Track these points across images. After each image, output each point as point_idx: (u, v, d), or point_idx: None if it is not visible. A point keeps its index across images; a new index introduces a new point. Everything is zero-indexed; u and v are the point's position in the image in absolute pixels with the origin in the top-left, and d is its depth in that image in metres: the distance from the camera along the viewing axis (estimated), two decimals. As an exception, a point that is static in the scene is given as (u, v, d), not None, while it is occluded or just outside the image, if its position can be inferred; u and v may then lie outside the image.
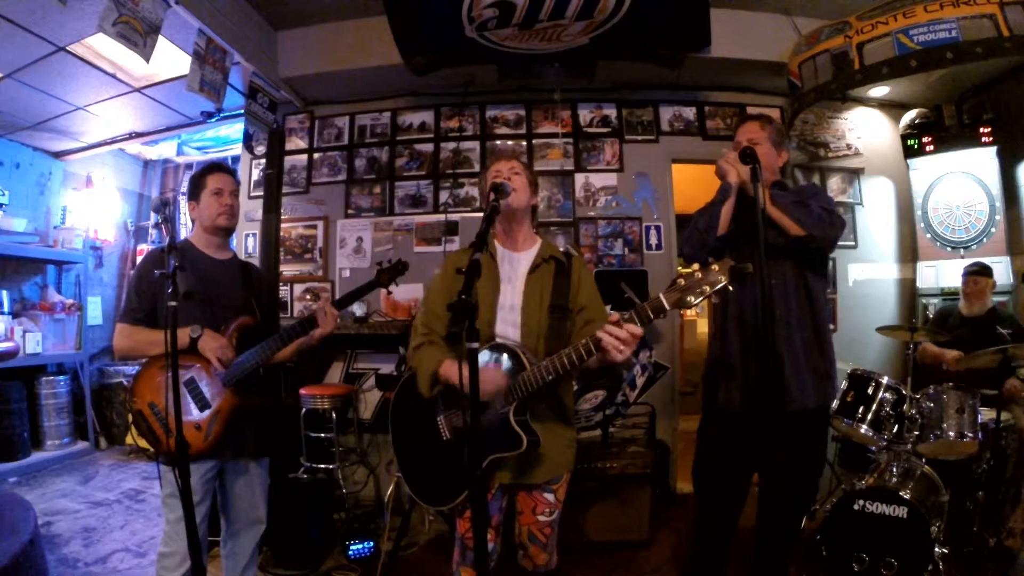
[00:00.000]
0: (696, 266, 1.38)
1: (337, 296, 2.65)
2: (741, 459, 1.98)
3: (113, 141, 4.71)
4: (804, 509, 2.13)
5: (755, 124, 2.03)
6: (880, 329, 3.06)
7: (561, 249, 1.91)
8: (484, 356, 1.60)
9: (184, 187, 5.64)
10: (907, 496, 2.30)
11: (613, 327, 1.39)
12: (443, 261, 1.86)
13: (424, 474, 1.75)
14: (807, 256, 1.93)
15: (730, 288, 1.34)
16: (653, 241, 3.79)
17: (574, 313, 1.70)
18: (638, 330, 1.40)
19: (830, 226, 1.87)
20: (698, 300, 1.37)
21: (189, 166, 5.74)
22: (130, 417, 1.78)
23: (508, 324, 1.69)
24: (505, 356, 1.60)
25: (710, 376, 2.09)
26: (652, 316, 1.41)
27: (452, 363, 1.60)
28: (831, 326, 2.47)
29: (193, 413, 1.77)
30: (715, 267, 1.35)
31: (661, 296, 1.39)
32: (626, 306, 2.95)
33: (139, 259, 1.95)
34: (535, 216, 1.88)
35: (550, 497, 1.70)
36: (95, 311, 5.22)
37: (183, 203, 5.30)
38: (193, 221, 2.01)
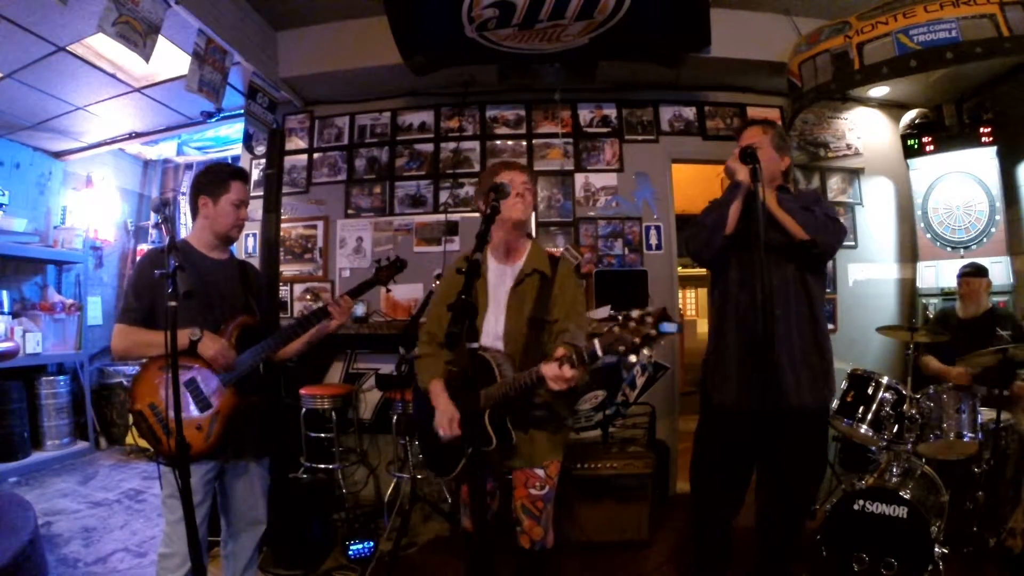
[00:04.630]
0: (636, 313, 1.42)
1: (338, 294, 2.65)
2: (738, 457, 1.98)
3: (113, 141, 4.70)
4: (805, 509, 2.13)
5: (756, 129, 2.05)
6: (880, 329, 3.06)
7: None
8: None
9: (184, 187, 5.63)
10: (907, 496, 2.30)
11: (554, 366, 1.51)
12: (447, 266, 1.95)
13: (432, 451, 1.94)
14: (808, 258, 1.94)
15: (661, 342, 1.40)
16: (653, 241, 3.79)
17: (551, 324, 1.79)
18: (572, 373, 1.49)
19: (832, 233, 1.89)
20: (631, 353, 1.41)
21: (189, 166, 5.74)
22: (131, 418, 1.78)
23: (491, 336, 1.81)
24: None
25: (707, 374, 2.10)
26: (587, 359, 1.48)
27: (438, 385, 1.83)
28: (831, 326, 2.46)
29: (194, 413, 1.77)
30: (648, 319, 1.40)
31: (596, 342, 1.46)
32: (624, 305, 3.06)
33: (138, 259, 1.94)
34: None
35: (540, 472, 1.81)
36: (95, 311, 5.22)
37: (183, 203, 5.30)
38: (196, 217, 1.96)
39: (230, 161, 5.01)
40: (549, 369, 1.53)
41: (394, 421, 3.30)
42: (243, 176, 1.98)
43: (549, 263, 1.87)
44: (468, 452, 1.68)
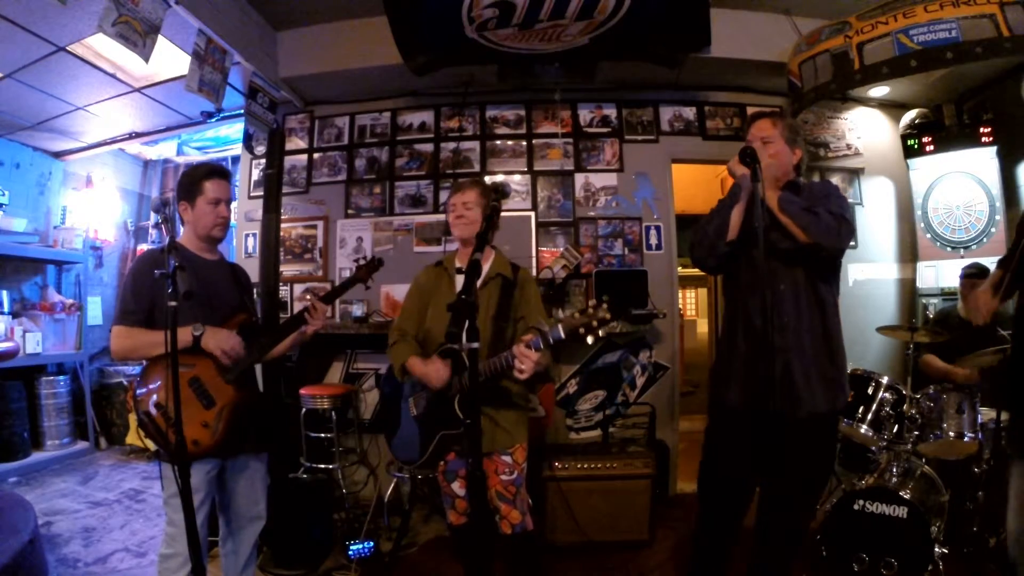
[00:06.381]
0: (592, 302, 1.66)
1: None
2: (746, 461, 1.96)
3: (113, 141, 4.70)
4: (809, 514, 2.11)
5: (767, 121, 1.97)
6: (880, 329, 3.06)
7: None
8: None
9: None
10: (907, 496, 2.30)
11: (524, 349, 1.71)
12: (416, 275, 2.21)
13: (401, 440, 2.12)
14: (816, 262, 1.90)
15: (615, 324, 1.53)
16: (653, 241, 3.80)
17: (515, 321, 1.98)
18: (536, 355, 1.71)
19: (837, 235, 1.81)
20: (589, 334, 1.62)
21: (188, 167, 5.74)
22: (135, 421, 1.79)
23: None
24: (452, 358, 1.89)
25: (717, 378, 2.07)
26: (552, 340, 1.68)
27: (416, 358, 1.97)
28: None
29: (200, 411, 1.77)
30: (603, 306, 1.63)
31: (559, 326, 1.68)
32: (624, 305, 3.33)
33: (135, 260, 1.92)
34: (492, 233, 1.94)
35: (507, 459, 1.96)
36: (95, 311, 5.22)
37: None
38: (182, 223, 1.97)
39: (229, 161, 5.02)
40: (520, 350, 1.71)
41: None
42: (218, 173, 1.94)
43: (511, 269, 2.06)
44: (435, 439, 1.94)
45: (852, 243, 3.82)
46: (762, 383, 1.85)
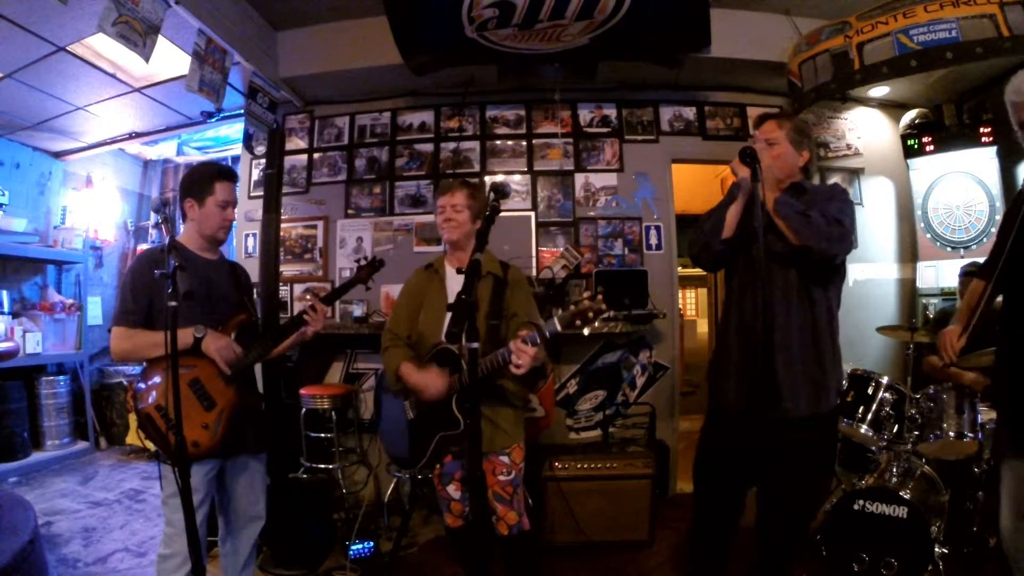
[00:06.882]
0: (587, 294, 1.66)
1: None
2: (738, 461, 1.96)
3: (113, 141, 4.71)
4: (805, 521, 2.10)
5: (772, 123, 1.96)
6: (880, 329, 3.06)
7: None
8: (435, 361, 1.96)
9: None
10: (907, 496, 2.30)
11: (521, 344, 1.69)
12: (407, 277, 2.21)
13: (399, 443, 2.11)
14: (810, 264, 1.89)
15: (611, 313, 1.57)
16: (653, 241, 3.80)
17: (507, 319, 1.99)
18: (532, 350, 1.69)
19: (827, 240, 1.77)
20: (585, 325, 1.61)
21: (189, 166, 5.74)
22: (135, 421, 1.79)
23: None
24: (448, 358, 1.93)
25: (711, 377, 2.09)
26: (548, 335, 1.68)
27: (408, 365, 1.97)
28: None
29: (200, 412, 1.77)
30: (599, 297, 1.63)
31: (555, 319, 1.68)
32: (624, 305, 3.37)
33: (134, 260, 1.91)
34: (487, 232, 1.88)
35: (505, 459, 1.97)
36: (95, 311, 5.22)
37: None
38: (184, 220, 1.96)
39: (229, 161, 5.02)
40: (517, 345, 1.69)
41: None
42: (228, 175, 1.95)
43: (500, 268, 2.06)
44: (434, 441, 1.93)
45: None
46: (750, 382, 1.86)
